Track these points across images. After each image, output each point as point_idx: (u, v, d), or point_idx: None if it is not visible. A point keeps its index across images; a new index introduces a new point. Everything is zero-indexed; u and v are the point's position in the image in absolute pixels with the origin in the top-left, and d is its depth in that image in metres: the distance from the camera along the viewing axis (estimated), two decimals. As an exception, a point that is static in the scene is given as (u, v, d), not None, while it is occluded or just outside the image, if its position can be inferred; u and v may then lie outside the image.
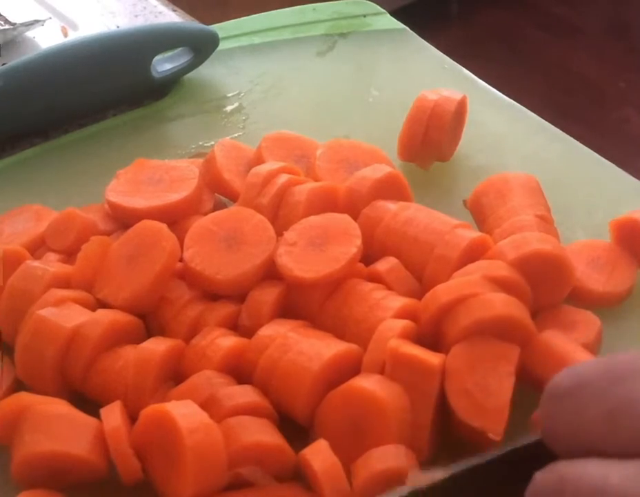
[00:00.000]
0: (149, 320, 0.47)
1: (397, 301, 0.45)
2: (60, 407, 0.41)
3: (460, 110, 0.58)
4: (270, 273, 0.47)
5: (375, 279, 0.47)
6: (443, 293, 0.44)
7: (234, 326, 0.46)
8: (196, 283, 0.47)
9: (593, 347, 0.45)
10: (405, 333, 0.43)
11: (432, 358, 0.42)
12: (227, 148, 0.55)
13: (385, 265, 0.47)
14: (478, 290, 0.43)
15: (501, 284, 0.44)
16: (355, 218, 0.49)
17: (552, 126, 0.63)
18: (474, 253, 0.47)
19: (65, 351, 0.44)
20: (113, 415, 0.41)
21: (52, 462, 0.40)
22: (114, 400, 0.42)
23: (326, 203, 0.50)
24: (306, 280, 0.46)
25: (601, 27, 2.15)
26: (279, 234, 0.48)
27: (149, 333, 0.46)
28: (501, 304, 0.43)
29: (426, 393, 0.41)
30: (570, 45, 2.08)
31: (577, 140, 0.62)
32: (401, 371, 0.41)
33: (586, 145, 0.62)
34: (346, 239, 0.47)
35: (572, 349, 0.43)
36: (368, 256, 0.48)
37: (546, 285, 0.46)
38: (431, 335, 0.44)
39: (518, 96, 0.66)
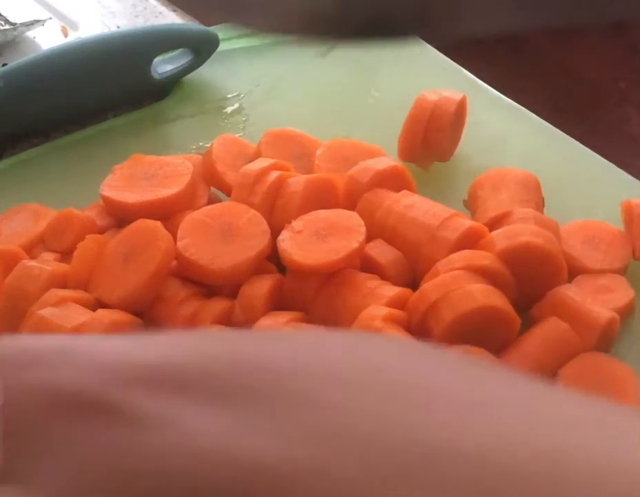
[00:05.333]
0: (144, 318, 0.47)
1: (390, 290, 0.45)
2: (60, 407, 0.41)
3: (460, 111, 0.58)
4: (261, 269, 0.47)
5: (374, 270, 0.48)
6: (431, 291, 0.44)
7: (228, 323, 0.46)
8: (190, 273, 0.47)
9: (624, 313, 0.48)
10: (391, 318, 0.43)
11: None
12: (227, 143, 0.55)
13: (386, 257, 0.48)
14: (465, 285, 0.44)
15: (485, 275, 0.45)
16: (353, 207, 0.49)
17: (552, 126, 0.63)
18: (471, 239, 0.48)
19: (66, 351, 0.44)
20: (113, 415, 0.41)
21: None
22: (114, 400, 0.42)
23: (324, 194, 0.51)
24: (303, 267, 0.46)
25: (600, 27, 2.15)
26: (277, 226, 0.48)
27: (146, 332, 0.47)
28: (482, 295, 0.44)
29: None
30: (570, 45, 2.08)
31: (577, 140, 0.62)
32: None
33: (586, 146, 0.62)
34: (350, 234, 0.47)
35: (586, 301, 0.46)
36: (366, 239, 0.48)
37: (536, 277, 0.47)
38: (422, 332, 0.45)
39: (518, 96, 0.66)
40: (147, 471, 0.21)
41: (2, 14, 0.71)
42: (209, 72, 0.67)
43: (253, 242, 0.47)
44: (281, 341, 0.26)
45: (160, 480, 0.21)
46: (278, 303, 0.47)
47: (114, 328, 0.44)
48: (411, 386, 0.23)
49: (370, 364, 0.24)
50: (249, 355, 0.24)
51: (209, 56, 0.66)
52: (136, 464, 0.22)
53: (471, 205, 0.53)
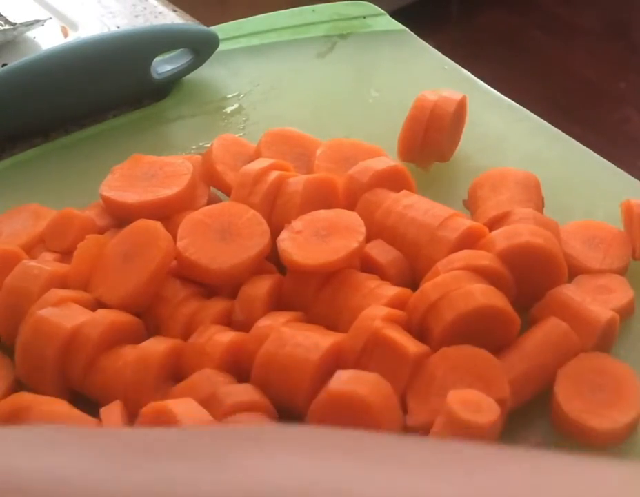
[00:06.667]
0: (144, 318, 0.47)
1: (390, 290, 0.46)
2: (60, 407, 0.41)
3: (459, 111, 0.58)
4: (261, 269, 0.47)
5: (374, 270, 0.48)
6: (431, 291, 0.44)
7: (228, 323, 0.46)
8: (190, 273, 0.47)
9: (624, 313, 0.48)
10: (390, 318, 0.44)
11: (412, 346, 0.42)
12: (227, 143, 0.55)
13: (386, 257, 0.48)
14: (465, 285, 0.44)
15: (485, 274, 0.45)
16: (353, 207, 0.49)
17: (552, 126, 0.63)
18: (471, 239, 0.48)
19: (65, 351, 0.44)
20: (113, 415, 0.41)
21: (52, 462, 0.40)
22: (114, 400, 0.42)
23: (324, 193, 0.51)
24: (303, 267, 0.46)
25: (601, 27, 2.15)
26: (277, 226, 0.48)
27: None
28: (482, 295, 0.44)
29: (397, 379, 0.42)
30: (570, 45, 2.08)
31: (577, 140, 0.62)
32: (378, 353, 0.42)
33: (586, 146, 0.62)
34: (350, 234, 0.47)
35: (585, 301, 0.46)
36: (366, 239, 0.49)
37: (536, 277, 0.47)
38: (422, 332, 0.45)
39: (518, 96, 0.66)
40: None
41: (2, 14, 0.71)
42: (209, 72, 0.67)
43: (253, 242, 0.47)
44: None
45: None
46: (278, 303, 0.47)
47: (114, 328, 0.45)
48: None
49: None
50: None
51: (209, 56, 0.66)
52: None
53: (471, 205, 0.53)
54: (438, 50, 0.71)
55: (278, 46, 0.70)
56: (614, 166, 0.60)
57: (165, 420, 0.39)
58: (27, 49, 0.70)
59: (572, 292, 0.47)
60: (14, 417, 0.41)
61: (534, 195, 0.52)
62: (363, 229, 0.48)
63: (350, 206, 0.50)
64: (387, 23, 0.73)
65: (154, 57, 0.64)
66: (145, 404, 0.41)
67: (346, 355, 0.43)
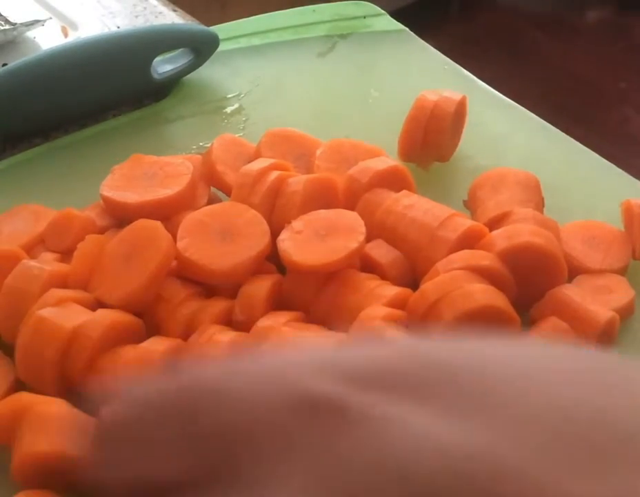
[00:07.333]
0: (144, 318, 0.47)
1: (390, 290, 0.46)
2: (60, 407, 0.41)
3: (460, 111, 0.58)
4: (261, 269, 0.47)
5: (374, 270, 0.48)
6: (431, 291, 0.44)
7: (228, 323, 0.46)
8: (190, 273, 0.47)
9: (624, 313, 0.48)
10: (390, 318, 0.44)
11: None
12: (227, 143, 0.55)
13: (386, 257, 0.48)
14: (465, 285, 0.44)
15: (485, 275, 0.45)
16: (353, 207, 0.49)
17: (552, 126, 0.63)
18: (471, 239, 0.48)
19: (65, 351, 0.44)
20: (113, 415, 0.41)
21: (52, 462, 0.40)
22: (114, 400, 0.42)
23: (324, 193, 0.51)
24: (303, 267, 0.46)
25: (601, 27, 2.15)
26: (277, 226, 0.48)
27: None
28: (482, 295, 0.44)
29: None
30: (570, 45, 2.08)
31: (577, 140, 0.62)
32: None
33: (586, 146, 0.62)
34: (350, 235, 0.47)
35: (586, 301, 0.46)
36: (366, 239, 0.48)
37: (536, 277, 0.47)
38: (422, 332, 0.45)
39: (518, 96, 0.66)
40: (389, 477, 0.21)
41: (2, 14, 0.71)
42: (209, 72, 0.67)
43: (253, 242, 0.47)
44: (453, 343, 0.28)
45: (402, 482, 0.21)
46: (278, 303, 0.47)
47: (114, 328, 0.45)
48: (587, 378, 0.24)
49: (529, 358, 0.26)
50: (441, 357, 0.25)
51: (209, 56, 0.66)
52: (378, 469, 0.21)
53: (471, 205, 0.54)
54: (438, 50, 0.71)
55: (279, 46, 0.70)
56: (614, 166, 0.60)
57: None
58: (27, 49, 0.70)
59: (571, 292, 0.47)
60: (14, 417, 0.41)
61: (534, 195, 0.52)
62: (363, 229, 0.48)
63: (350, 206, 0.50)
64: (387, 23, 0.73)
65: (154, 57, 0.64)
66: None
67: None
